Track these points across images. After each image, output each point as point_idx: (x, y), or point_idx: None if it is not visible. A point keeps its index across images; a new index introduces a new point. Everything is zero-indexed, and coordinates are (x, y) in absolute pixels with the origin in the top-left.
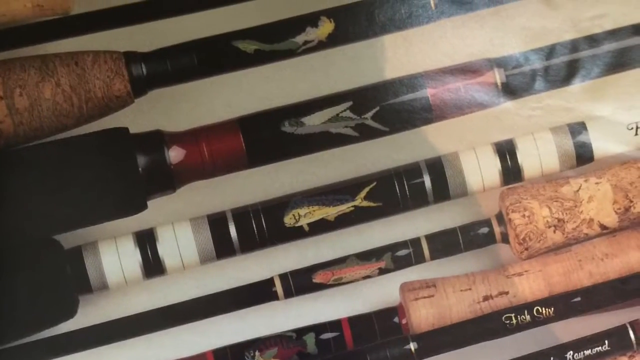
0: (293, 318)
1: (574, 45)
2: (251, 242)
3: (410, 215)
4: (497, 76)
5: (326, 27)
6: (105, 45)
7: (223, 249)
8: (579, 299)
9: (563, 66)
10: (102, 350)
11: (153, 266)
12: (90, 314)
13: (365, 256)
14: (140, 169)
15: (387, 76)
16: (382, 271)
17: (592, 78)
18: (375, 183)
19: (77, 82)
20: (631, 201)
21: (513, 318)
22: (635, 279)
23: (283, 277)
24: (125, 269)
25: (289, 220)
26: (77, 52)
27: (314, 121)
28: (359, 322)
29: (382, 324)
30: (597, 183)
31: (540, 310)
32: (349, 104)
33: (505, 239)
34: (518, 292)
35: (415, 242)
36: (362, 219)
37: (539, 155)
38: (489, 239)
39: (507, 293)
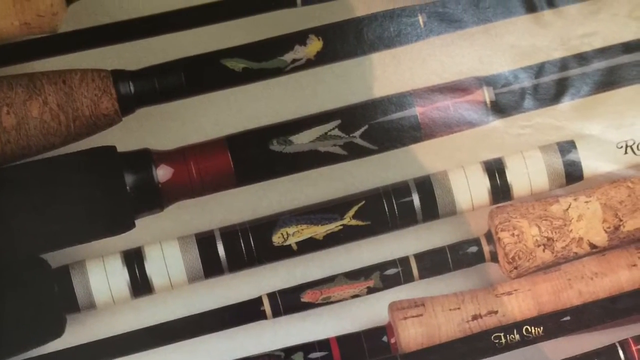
0: (281, 337)
1: (563, 64)
2: (239, 261)
3: (399, 234)
4: (486, 94)
5: (314, 45)
6: (92, 64)
7: (211, 268)
8: (568, 318)
9: (552, 84)
10: None
11: (141, 285)
12: (77, 333)
13: (353, 275)
14: (128, 187)
15: (376, 94)
16: (371, 290)
17: (582, 96)
18: (363, 202)
19: (65, 101)
20: (621, 220)
21: (502, 337)
22: (624, 298)
23: (271, 296)
24: (112, 288)
25: (277, 239)
26: (65, 70)
27: (302, 140)
28: (347, 342)
29: (371, 343)
30: (586, 202)
31: (530, 330)
32: (338, 122)
33: (494, 257)
34: (507, 311)
35: (404, 261)
36: (350, 237)
37: (528, 173)
38: (478, 258)
39: (496, 312)
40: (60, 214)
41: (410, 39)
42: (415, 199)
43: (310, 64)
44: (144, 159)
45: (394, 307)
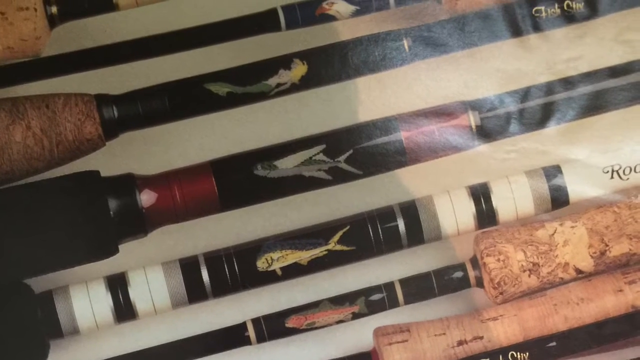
0: None
1: (549, 88)
2: (223, 287)
3: (384, 259)
4: (472, 119)
5: (299, 69)
6: (76, 88)
7: (195, 293)
8: (554, 343)
9: (538, 109)
10: None
11: (124, 310)
12: (61, 358)
13: (338, 300)
14: (111, 212)
15: (361, 119)
16: (356, 316)
17: (568, 121)
18: (348, 227)
19: (48, 125)
20: (607, 245)
21: None
22: (611, 324)
23: (256, 321)
24: (96, 313)
25: (261, 264)
26: (48, 94)
27: (287, 164)
28: None
29: None
30: (572, 227)
31: (515, 355)
32: (322, 147)
33: (479, 283)
34: (493, 337)
35: (389, 287)
36: (335, 263)
37: (514, 198)
38: (464, 283)
39: (481, 338)
40: (43, 239)
41: (396, 63)
42: (401, 224)
43: (294, 88)
44: (128, 183)
45: (379, 332)
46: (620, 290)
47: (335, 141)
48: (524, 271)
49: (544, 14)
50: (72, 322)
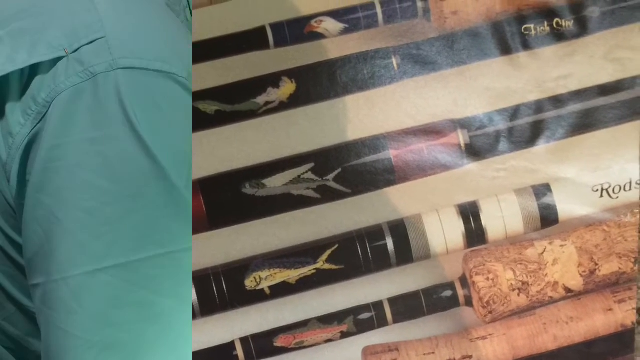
0: None
1: (538, 106)
2: (212, 305)
3: (373, 278)
4: (461, 137)
5: (287, 87)
6: None
7: None
8: None
9: (527, 127)
10: None
11: None
12: None
13: (327, 319)
14: None
15: (350, 137)
16: (344, 335)
17: (557, 139)
18: (337, 245)
19: None
20: (596, 264)
21: None
22: (600, 343)
23: (244, 340)
24: None
25: (250, 283)
26: None
27: (276, 183)
28: None
29: None
30: (561, 245)
31: None
32: (311, 165)
33: (469, 302)
34: (482, 356)
35: (377, 305)
36: (324, 281)
37: (503, 217)
38: (453, 302)
39: (470, 357)
40: None
41: (384, 81)
42: (389, 243)
43: (283, 106)
44: None
45: (367, 351)
46: (610, 309)
47: (324, 160)
48: (513, 290)
49: (533, 32)
50: None
